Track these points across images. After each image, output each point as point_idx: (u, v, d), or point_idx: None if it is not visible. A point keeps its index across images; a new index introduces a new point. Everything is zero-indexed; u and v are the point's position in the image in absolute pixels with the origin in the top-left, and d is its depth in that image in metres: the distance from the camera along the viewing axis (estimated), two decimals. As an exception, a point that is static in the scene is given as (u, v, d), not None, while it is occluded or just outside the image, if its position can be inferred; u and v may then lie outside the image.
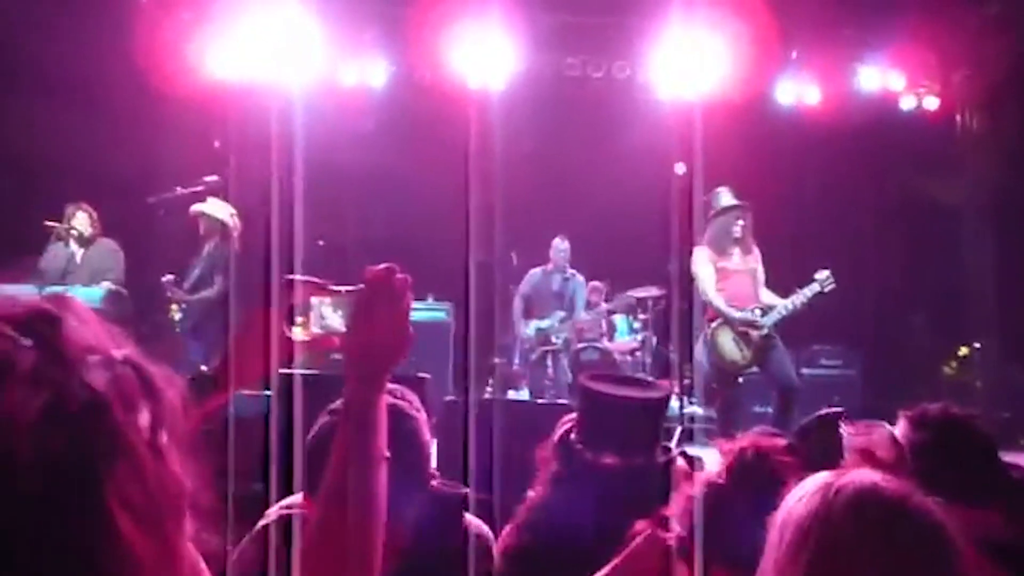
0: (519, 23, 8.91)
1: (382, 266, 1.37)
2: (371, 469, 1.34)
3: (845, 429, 2.08)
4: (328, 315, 1.43)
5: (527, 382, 8.83)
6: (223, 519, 0.82)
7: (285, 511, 2.09)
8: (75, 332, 0.75)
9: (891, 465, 1.50)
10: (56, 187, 7.63)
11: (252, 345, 1.45)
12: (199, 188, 7.33)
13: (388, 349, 1.37)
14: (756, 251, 6.92)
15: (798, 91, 9.66)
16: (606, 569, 1.99)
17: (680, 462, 2.58)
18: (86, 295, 6.38)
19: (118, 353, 0.76)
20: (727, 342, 6.72)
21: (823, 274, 6.76)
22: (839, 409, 2.44)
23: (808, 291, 6.74)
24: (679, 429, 6.36)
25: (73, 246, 7.25)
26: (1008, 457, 2.46)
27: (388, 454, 1.36)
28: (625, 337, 9.07)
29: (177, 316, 7.20)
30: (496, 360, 8.60)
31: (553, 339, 8.73)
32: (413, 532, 2.00)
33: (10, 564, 0.67)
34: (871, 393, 8.91)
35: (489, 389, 8.29)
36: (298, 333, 1.45)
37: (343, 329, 1.41)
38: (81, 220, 7.28)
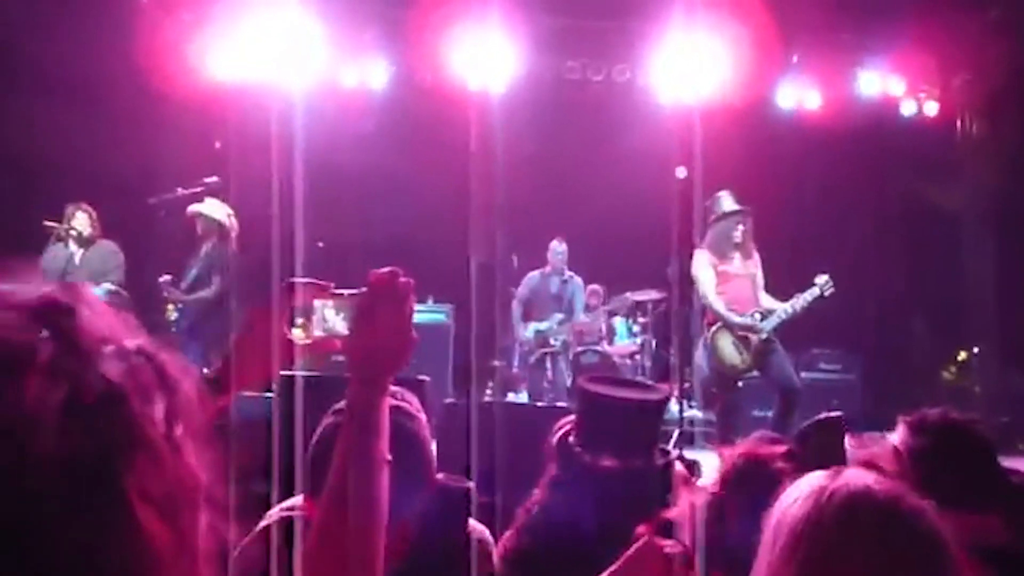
0: (520, 25, 8.92)
1: (385, 269, 1.38)
2: (373, 472, 1.35)
3: (849, 442, 2.08)
4: (331, 318, 1.43)
5: (526, 385, 8.83)
6: (227, 519, 0.81)
7: (286, 513, 2.09)
8: (90, 322, 0.74)
9: (894, 478, 1.50)
10: (56, 187, 7.63)
11: (253, 347, 1.45)
12: (199, 189, 7.32)
13: (391, 352, 1.38)
14: (756, 256, 6.93)
15: (798, 95, 9.68)
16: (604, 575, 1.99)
17: (678, 466, 2.58)
18: (86, 295, 6.35)
19: (132, 343, 0.75)
20: (727, 346, 6.73)
21: (823, 278, 6.77)
22: (838, 414, 2.44)
23: (808, 295, 6.74)
24: (676, 431, 6.39)
25: (73, 247, 7.24)
26: (1007, 462, 2.47)
27: (390, 457, 1.37)
28: (625, 340, 9.07)
29: (173, 316, 7.19)
30: (496, 362, 8.60)
31: (552, 341, 8.73)
32: (418, 526, 2.00)
33: (34, 561, 0.66)
34: (870, 397, 8.92)
35: (489, 392, 8.29)
36: (298, 335, 1.45)
37: (346, 332, 1.41)
38: (81, 220, 7.27)
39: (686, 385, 7.48)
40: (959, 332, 9.89)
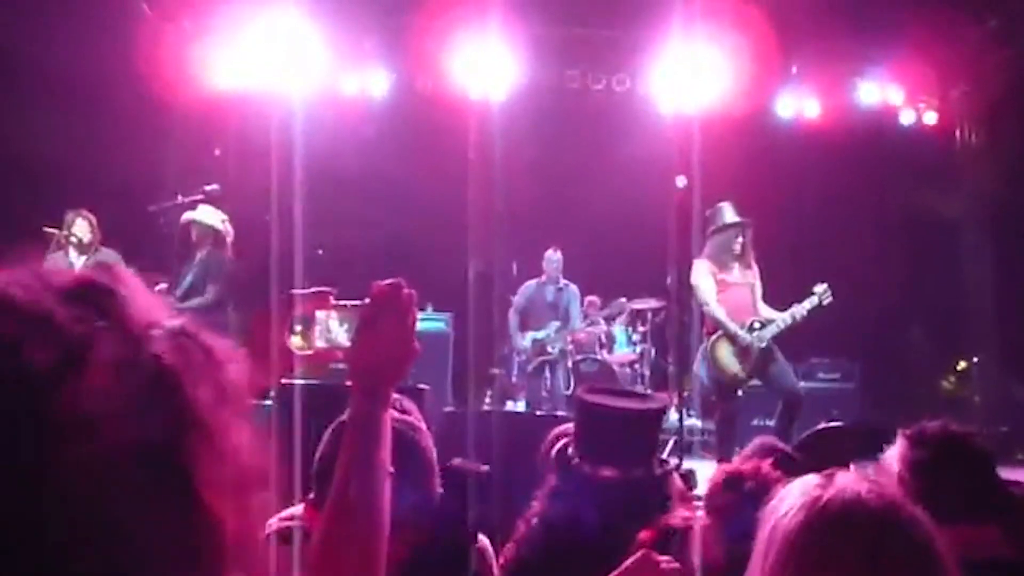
0: (520, 35, 8.94)
1: (388, 281, 1.38)
2: (376, 481, 1.35)
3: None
4: (334, 329, 1.43)
5: (524, 394, 8.83)
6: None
7: (286, 522, 2.09)
8: (133, 303, 0.71)
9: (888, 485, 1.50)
10: (57, 193, 7.63)
11: (252, 355, 1.46)
12: (199, 196, 7.32)
13: (393, 363, 1.38)
14: (755, 267, 6.94)
15: (798, 105, 9.69)
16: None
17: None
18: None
19: (175, 323, 0.73)
20: (726, 355, 6.73)
21: (821, 287, 6.78)
22: (838, 423, 2.44)
23: (806, 304, 6.75)
24: (671, 441, 6.39)
25: (73, 253, 7.23)
26: (1006, 472, 2.47)
27: (392, 468, 1.37)
28: (624, 349, 9.07)
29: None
30: (495, 370, 8.60)
31: (549, 349, 8.73)
32: (422, 533, 2.00)
33: (111, 551, 0.65)
34: (869, 406, 8.90)
35: (488, 400, 8.29)
36: (297, 343, 1.45)
37: (348, 343, 1.41)
38: (81, 227, 7.26)
39: (685, 394, 7.48)
40: (958, 341, 9.89)
